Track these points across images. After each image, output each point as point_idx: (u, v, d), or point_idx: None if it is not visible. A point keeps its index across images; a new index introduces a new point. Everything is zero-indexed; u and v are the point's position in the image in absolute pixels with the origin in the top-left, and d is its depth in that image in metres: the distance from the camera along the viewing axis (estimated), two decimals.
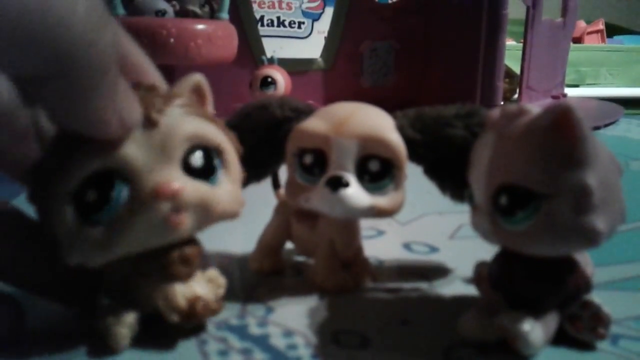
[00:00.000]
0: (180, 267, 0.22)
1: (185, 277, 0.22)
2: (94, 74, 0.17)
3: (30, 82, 0.17)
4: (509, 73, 0.87)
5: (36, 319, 0.24)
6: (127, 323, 0.22)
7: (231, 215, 0.22)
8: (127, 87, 0.19)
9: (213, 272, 0.24)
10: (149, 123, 0.20)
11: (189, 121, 0.21)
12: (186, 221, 0.20)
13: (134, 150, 0.20)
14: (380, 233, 0.36)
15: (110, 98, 0.18)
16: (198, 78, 0.23)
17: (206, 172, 0.21)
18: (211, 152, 0.22)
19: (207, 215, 0.21)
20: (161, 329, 0.23)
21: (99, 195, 0.19)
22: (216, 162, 0.22)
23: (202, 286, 0.23)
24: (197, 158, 0.21)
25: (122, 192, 0.20)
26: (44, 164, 0.20)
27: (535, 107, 0.20)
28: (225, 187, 0.22)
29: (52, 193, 0.19)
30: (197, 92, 0.23)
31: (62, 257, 0.20)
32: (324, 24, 0.91)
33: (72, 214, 0.19)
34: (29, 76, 0.17)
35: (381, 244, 0.34)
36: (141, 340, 0.23)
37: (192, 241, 0.23)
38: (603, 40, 1.33)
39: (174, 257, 0.22)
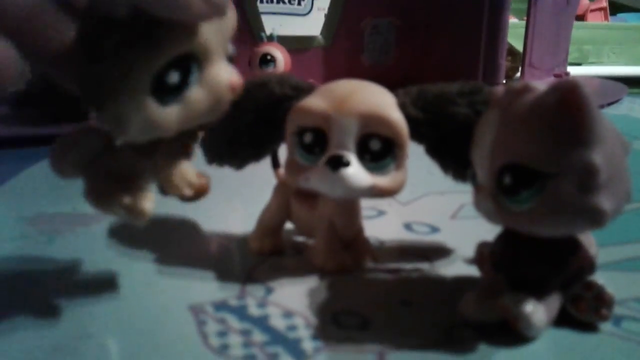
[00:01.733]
0: (192, 145, 0.24)
1: (191, 157, 0.24)
2: None
3: None
4: (512, 51, 0.86)
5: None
6: (148, 197, 0.23)
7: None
8: None
9: None
10: (219, 12, 0.20)
11: (234, 11, 0.22)
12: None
13: (213, 37, 0.20)
14: (381, 213, 0.36)
15: None
16: None
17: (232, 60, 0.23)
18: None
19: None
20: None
21: (181, 77, 0.20)
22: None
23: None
24: (231, 49, 0.22)
25: (195, 76, 0.21)
26: (127, 36, 0.19)
27: (540, 84, 0.20)
28: None
29: (134, 66, 0.19)
30: None
31: (117, 129, 0.20)
32: (324, 0, 0.90)
33: (148, 92, 0.19)
34: None
35: (382, 224, 0.34)
36: (139, 319, 0.23)
37: None
38: (606, 18, 1.32)
39: (191, 135, 0.24)
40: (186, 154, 0.24)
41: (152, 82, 0.19)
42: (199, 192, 0.24)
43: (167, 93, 0.20)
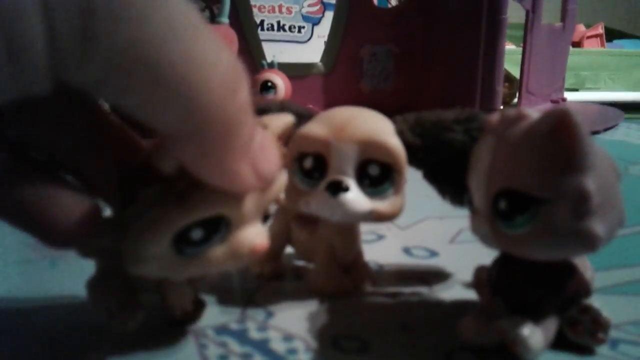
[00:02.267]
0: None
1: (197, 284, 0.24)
2: (228, 130, 0.17)
3: (165, 138, 0.17)
4: (509, 77, 0.87)
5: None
6: (135, 318, 0.23)
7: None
8: (265, 139, 0.19)
9: None
10: (267, 185, 0.20)
11: (282, 175, 0.22)
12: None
13: (248, 202, 0.20)
14: (380, 237, 0.36)
15: (245, 152, 0.18)
16: (290, 121, 0.23)
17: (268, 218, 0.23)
18: None
19: None
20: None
21: (205, 235, 0.20)
22: None
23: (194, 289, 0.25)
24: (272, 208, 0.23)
25: (219, 235, 0.20)
26: (165, 185, 0.19)
27: (534, 111, 0.21)
28: None
29: (161, 220, 0.19)
30: (285, 134, 0.23)
31: (129, 266, 0.20)
32: (324, 28, 0.92)
33: (170, 244, 0.19)
34: (164, 132, 0.16)
35: (381, 249, 0.34)
36: (141, 345, 0.23)
37: None
38: (603, 45, 1.33)
39: None
40: (191, 281, 0.24)
41: (176, 233, 0.19)
42: (190, 319, 0.25)
43: (186, 246, 0.20)
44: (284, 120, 0.23)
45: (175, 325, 0.25)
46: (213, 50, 0.16)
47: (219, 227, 0.20)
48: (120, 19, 0.13)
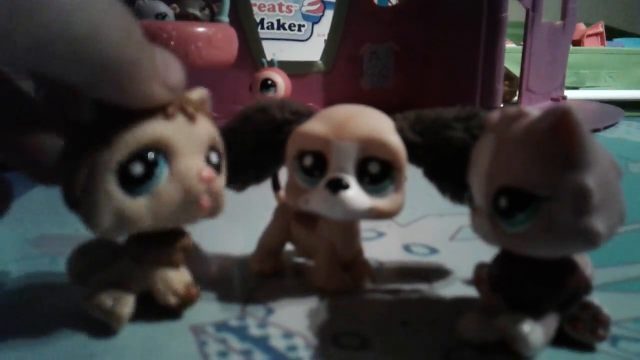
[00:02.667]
0: (179, 256, 0.25)
1: (180, 265, 0.25)
2: (134, 65, 0.19)
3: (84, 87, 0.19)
4: (509, 75, 0.87)
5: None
6: (127, 303, 0.24)
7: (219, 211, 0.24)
8: (165, 57, 0.21)
9: None
10: (190, 118, 0.23)
11: (210, 126, 0.24)
12: (208, 207, 0.23)
13: (178, 135, 0.22)
14: (380, 235, 0.36)
15: (152, 74, 0.20)
16: (204, 93, 0.25)
17: (217, 170, 0.24)
18: (219, 155, 0.25)
19: (216, 207, 0.24)
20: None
21: (145, 168, 0.21)
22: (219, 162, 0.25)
23: (187, 271, 0.26)
24: (214, 157, 0.24)
25: (164, 170, 0.22)
26: (91, 134, 0.21)
27: (534, 109, 0.21)
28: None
29: (97, 161, 0.21)
30: (202, 102, 0.25)
31: (91, 223, 0.21)
32: (324, 26, 0.91)
33: (116, 183, 0.21)
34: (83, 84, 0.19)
35: (381, 246, 0.34)
36: (141, 342, 0.23)
37: (184, 232, 0.25)
38: (603, 43, 1.33)
39: (179, 246, 0.25)
40: (173, 263, 0.25)
41: (118, 174, 0.21)
42: (185, 302, 0.25)
43: (134, 184, 0.21)
44: (201, 92, 0.25)
45: (173, 314, 0.25)
46: (110, 14, 0.18)
47: (156, 160, 0.21)
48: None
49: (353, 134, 0.24)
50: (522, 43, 0.76)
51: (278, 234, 0.30)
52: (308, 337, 0.23)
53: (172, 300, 0.24)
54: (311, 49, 0.95)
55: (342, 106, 0.26)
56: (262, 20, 0.97)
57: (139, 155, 0.21)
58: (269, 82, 0.69)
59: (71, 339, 0.23)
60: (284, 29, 0.99)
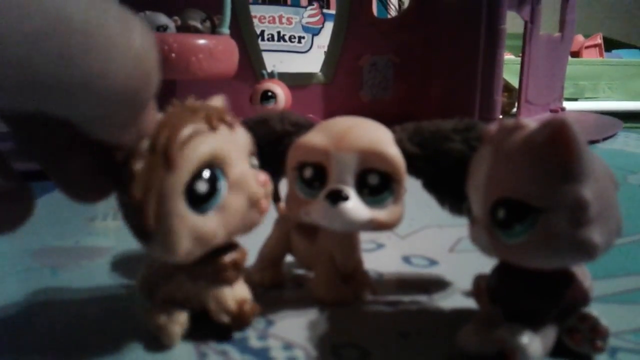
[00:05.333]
0: (231, 272, 0.24)
1: (234, 281, 0.25)
2: (143, 107, 0.19)
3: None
4: (508, 87, 0.87)
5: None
6: (180, 322, 0.24)
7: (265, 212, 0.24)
8: (152, 108, 0.21)
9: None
10: (230, 126, 0.23)
11: (245, 131, 0.24)
12: (267, 208, 0.24)
13: (227, 145, 0.22)
14: (380, 246, 0.36)
15: (141, 125, 0.20)
16: (222, 102, 0.25)
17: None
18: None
19: (269, 209, 0.24)
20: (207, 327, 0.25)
21: (209, 185, 0.21)
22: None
23: (245, 288, 0.25)
24: (254, 161, 0.24)
25: (223, 182, 0.22)
26: (149, 159, 0.21)
27: (532, 121, 0.21)
28: None
29: (164, 187, 0.21)
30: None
31: (171, 250, 0.21)
32: (324, 38, 0.92)
33: (186, 205, 0.21)
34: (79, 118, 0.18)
35: (381, 257, 0.35)
36: (142, 355, 0.23)
37: (237, 246, 0.25)
38: (601, 55, 1.34)
39: (228, 262, 0.24)
40: (226, 280, 0.24)
41: (185, 196, 0.21)
42: (237, 319, 0.24)
43: (202, 202, 0.21)
44: (220, 100, 0.25)
45: (228, 332, 0.25)
46: (120, 37, 0.16)
47: (215, 174, 0.22)
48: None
49: (353, 145, 0.24)
50: (520, 55, 0.76)
51: (278, 245, 0.30)
52: (308, 349, 0.24)
53: (225, 318, 0.24)
54: (311, 61, 0.95)
55: (341, 118, 0.26)
56: (262, 32, 0.98)
57: (200, 173, 0.21)
58: (269, 93, 0.69)
59: (70, 351, 0.24)
60: (284, 40, 0.99)
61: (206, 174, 0.21)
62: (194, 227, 0.21)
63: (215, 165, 0.22)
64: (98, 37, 0.15)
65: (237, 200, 0.22)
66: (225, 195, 0.22)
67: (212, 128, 0.22)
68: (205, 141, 0.21)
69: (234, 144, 0.23)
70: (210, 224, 0.22)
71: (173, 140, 0.21)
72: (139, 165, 0.21)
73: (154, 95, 0.19)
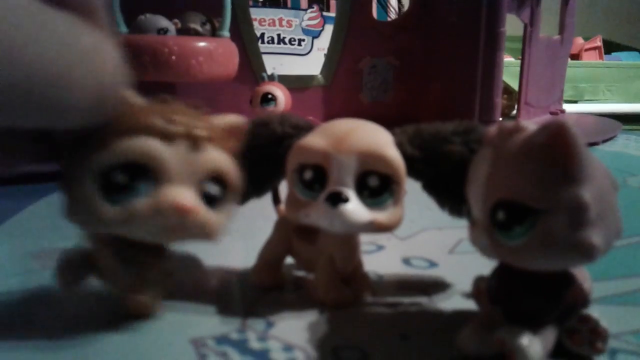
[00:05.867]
0: (157, 278, 0.26)
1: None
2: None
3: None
4: (508, 89, 0.87)
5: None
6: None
7: (208, 238, 0.24)
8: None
9: None
10: (195, 146, 0.23)
11: (223, 158, 0.24)
12: (181, 236, 0.24)
13: (173, 160, 0.22)
14: (380, 248, 0.36)
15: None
16: (241, 122, 0.25)
17: (213, 201, 0.24)
18: (223, 184, 0.24)
19: (204, 235, 0.24)
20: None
21: (128, 181, 0.22)
22: (221, 194, 0.24)
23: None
24: (213, 189, 0.24)
25: (146, 188, 0.22)
26: (89, 139, 0.22)
27: (531, 123, 0.21)
28: (223, 215, 0.25)
29: (86, 163, 0.22)
30: (233, 131, 0.25)
31: (66, 213, 0.23)
32: (324, 41, 0.92)
33: (95, 187, 0.22)
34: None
35: (381, 259, 0.35)
36: (141, 353, 0.23)
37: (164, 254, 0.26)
38: (601, 57, 1.34)
39: (158, 271, 0.26)
40: (145, 279, 0.25)
41: (100, 178, 0.22)
42: (137, 309, 0.25)
43: (113, 193, 0.22)
44: (235, 119, 0.25)
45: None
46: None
47: (142, 176, 0.22)
48: None
49: (353, 147, 0.24)
50: (520, 57, 0.76)
51: (278, 247, 0.30)
52: (308, 351, 0.24)
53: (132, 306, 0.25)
54: (311, 63, 0.95)
55: (341, 120, 0.26)
56: (262, 34, 0.98)
57: (125, 166, 0.22)
58: (270, 96, 0.69)
59: (70, 352, 0.24)
60: (284, 43, 0.99)
61: (133, 169, 0.22)
62: (91, 207, 0.22)
63: (148, 169, 0.22)
64: (63, 66, 0.17)
65: (146, 208, 0.22)
66: (139, 200, 0.22)
67: (166, 138, 0.22)
68: (146, 143, 0.22)
69: (184, 163, 0.23)
70: (108, 213, 0.22)
71: (118, 126, 0.22)
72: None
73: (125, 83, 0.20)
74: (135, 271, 0.25)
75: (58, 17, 0.17)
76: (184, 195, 0.23)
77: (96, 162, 0.22)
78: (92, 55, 0.18)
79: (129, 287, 0.25)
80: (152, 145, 0.22)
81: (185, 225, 0.23)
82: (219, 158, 0.24)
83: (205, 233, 0.24)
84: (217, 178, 0.24)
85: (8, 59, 0.15)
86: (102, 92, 0.18)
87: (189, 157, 0.23)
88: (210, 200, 0.24)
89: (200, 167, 0.23)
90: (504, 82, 0.74)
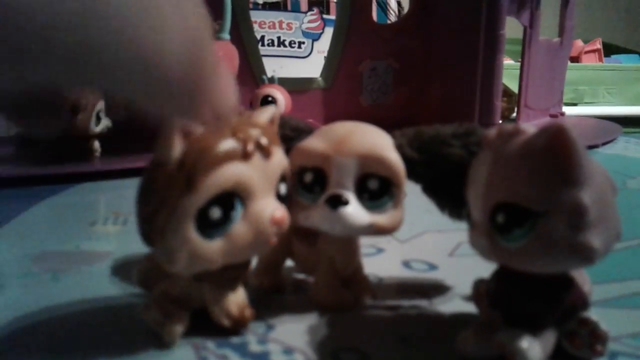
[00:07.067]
0: (240, 281, 0.25)
1: (237, 287, 0.25)
2: (195, 90, 0.18)
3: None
4: (507, 92, 0.87)
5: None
6: (181, 320, 0.24)
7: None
8: (222, 80, 0.20)
9: None
10: (266, 154, 0.23)
11: (282, 155, 0.24)
12: (275, 243, 0.24)
13: (255, 176, 0.22)
14: (380, 251, 0.36)
15: (208, 99, 0.19)
16: (275, 111, 0.25)
17: (283, 201, 0.25)
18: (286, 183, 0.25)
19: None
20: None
21: (223, 213, 0.22)
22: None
23: (244, 293, 0.25)
24: (283, 188, 0.24)
25: (239, 212, 0.22)
26: (172, 175, 0.21)
27: (530, 126, 0.21)
28: None
29: (178, 206, 0.21)
30: (272, 122, 0.25)
31: (167, 263, 0.22)
32: (324, 43, 0.92)
33: (193, 227, 0.21)
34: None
35: (381, 262, 0.35)
36: (142, 356, 0.23)
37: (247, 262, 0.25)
38: (600, 60, 1.34)
39: (239, 275, 0.25)
40: (231, 286, 0.25)
41: (196, 218, 0.21)
42: (237, 324, 0.25)
43: (211, 228, 0.22)
44: (271, 110, 0.25)
45: (229, 333, 0.25)
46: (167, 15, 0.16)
47: (233, 203, 0.22)
48: None
49: (353, 150, 0.24)
50: (520, 60, 0.76)
51: (278, 249, 0.30)
52: (308, 353, 0.24)
53: (226, 322, 0.25)
54: (311, 66, 0.95)
55: (341, 123, 0.26)
56: (262, 37, 0.98)
57: (218, 200, 0.21)
58: (270, 98, 0.69)
59: (71, 354, 0.24)
60: (285, 46, 1.00)
61: (229, 201, 0.22)
62: (195, 250, 0.21)
63: (237, 193, 0.22)
64: (153, 17, 0.15)
65: (247, 232, 0.22)
66: (236, 226, 0.22)
67: (245, 157, 0.22)
68: (233, 171, 0.21)
69: (263, 174, 0.23)
70: (213, 250, 0.22)
71: (201, 164, 0.21)
72: (162, 176, 0.21)
73: (218, 78, 0.19)
74: (226, 293, 0.25)
75: None
76: (275, 207, 0.23)
77: (192, 205, 0.21)
78: (181, 12, 0.16)
79: (228, 314, 0.25)
80: (239, 171, 0.22)
81: (277, 235, 0.23)
82: (282, 156, 0.24)
83: (275, 242, 0.24)
84: (284, 177, 0.24)
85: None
86: (192, 39, 0.17)
87: (264, 167, 0.23)
88: (279, 196, 0.24)
89: (275, 172, 0.23)
90: (504, 84, 0.74)
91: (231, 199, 0.22)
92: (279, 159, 0.24)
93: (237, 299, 0.25)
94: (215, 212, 0.21)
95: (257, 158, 0.22)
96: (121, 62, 0.15)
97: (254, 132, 0.22)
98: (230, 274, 0.24)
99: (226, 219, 0.22)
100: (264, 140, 0.22)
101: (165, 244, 0.21)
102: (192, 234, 0.21)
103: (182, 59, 0.17)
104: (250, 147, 0.22)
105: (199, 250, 0.21)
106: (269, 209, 0.23)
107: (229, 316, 0.24)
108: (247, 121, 0.23)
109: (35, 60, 0.14)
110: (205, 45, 0.18)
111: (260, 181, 0.22)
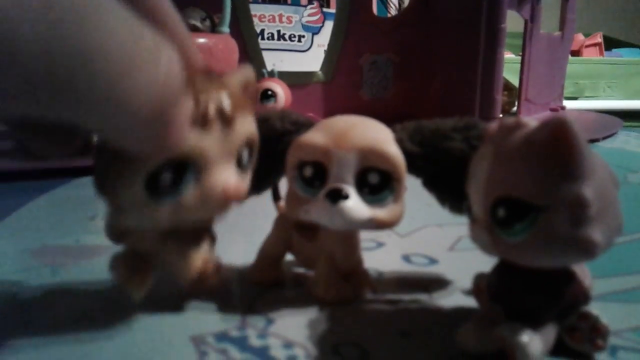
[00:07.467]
0: (204, 236, 0.25)
1: (201, 243, 0.25)
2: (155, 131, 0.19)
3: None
4: (508, 86, 0.87)
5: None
6: (148, 275, 0.25)
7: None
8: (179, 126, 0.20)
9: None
10: (226, 122, 0.22)
11: (249, 122, 0.23)
12: (228, 210, 0.23)
13: (212, 146, 0.22)
14: (380, 245, 0.36)
15: (164, 141, 0.19)
16: (249, 74, 0.24)
17: (245, 168, 0.24)
18: (252, 151, 0.24)
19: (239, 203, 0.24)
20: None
21: (173, 179, 0.21)
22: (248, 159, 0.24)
23: (207, 248, 0.25)
24: (245, 155, 0.24)
25: (191, 181, 0.22)
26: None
27: (532, 120, 0.21)
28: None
29: (129, 168, 0.21)
30: (246, 87, 0.24)
31: (114, 218, 0.22)
32: (324, 37, 0.92)
33: (142, 189, 0.21)
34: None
35: (381, 256, 0.35)
36: (141, 352, 0.23)
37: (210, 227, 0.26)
38: (601, 54, 1.34)
39: (207, 235, 0.25)
40: (197, 241, 0.25)
41: (146, 181, 0.21)
42: (200, 277, 0.25)
43: (160, 192, 0.21)
44: (245, 73, 0.24)
45: (190, 293, 0.26)
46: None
47: (186, 169, 0.21)
48: None
49: (353, 144, 0.24)
50: (520, 54, 0.76)
51: (278, 244, 0.30)
52: (308, 348, 0.24)
53: (190, 274, 0.24)
54: (311, 60, 0.95)
55: (341, 117, 0.26)
56: (262, 31, 0.98)
57: (170, 166, 0.21)
58: (269, 92, 0.69)
59: (72, 348, 0.24)
60: (284, 39, 0.99)
61: (180, 169, 0.21)
62: (143, 211, 0.21)
63: (189, 162, 0.21)
64: (127, 64, 0.16)
65: (196, 202, 0.22)
66: (186, 194, 0.22)
67: (204, 125, 0.21)
68: (187, 138, 0.21)
69: (222, 142, 0.22)
70: (160, 214, 0.22)
71: None
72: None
73: (182, 115, 0.19)
74: (192, 249, 0.24)
75: (142, 26, 0.17)
76: (228, 178, 0.22)
77: (144, 167, 0.21)
78: (156, 58, 0.17)
79: (193, 267, 0.24)
80: (194, 140, 0.21)
81: (227, 206, 0.23)
82: (248, 122, 0.23)
83: (242, 201, 0.24)
84: (248, 143, 0.24)
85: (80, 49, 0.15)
86: (162, 102, 0.17)
87: (225, 135, 0.22)
88: (245, 169, 0.24)
89: (236, 141, 0.23)
90: (505, 78, 0.74)
91: (184, 166, 0.21)
92: (244, 127, 0.23)
93: (201, 253, 0.25)
94: (166, 178, 0.21)
95: (217, 128, 0.22)
96: (88, 93, 0.15)
97: (218, 97, 0.22)
98: (194, 232, 0.24)
99: (176, 186, 0.21)
100: (226, 107, 0.22)
101: (116, 200, 0.22)
102: (142, 196, 0.21)
103: (151, 101, 0.17)
104: (211, 113, 0.21)
105: (147, 211, 0.21)
106: (221, 180, 0.22)
107: (193, 269, 0.24)
108: (214, 84, 0.22)
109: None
110: (174, 91, 0.18)
111: (217, 150, 0.22)
